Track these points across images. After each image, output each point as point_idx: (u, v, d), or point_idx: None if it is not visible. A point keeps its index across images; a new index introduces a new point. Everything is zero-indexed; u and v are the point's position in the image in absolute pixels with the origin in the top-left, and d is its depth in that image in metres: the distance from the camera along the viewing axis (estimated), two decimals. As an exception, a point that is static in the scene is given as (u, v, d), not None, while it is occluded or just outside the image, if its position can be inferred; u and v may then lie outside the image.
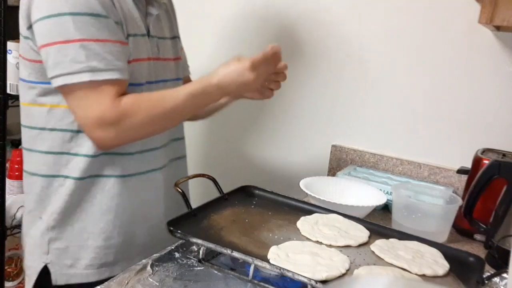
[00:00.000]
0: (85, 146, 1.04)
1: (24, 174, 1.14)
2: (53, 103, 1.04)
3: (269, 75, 1.10)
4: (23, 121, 1.10)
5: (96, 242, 1.08)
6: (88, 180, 1.06)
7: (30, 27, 0.99)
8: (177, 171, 1.25)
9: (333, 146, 1.65)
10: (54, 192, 1.07)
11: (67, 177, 1.06)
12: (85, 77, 0.94)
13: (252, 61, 1.02)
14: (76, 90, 0.96)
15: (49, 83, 0.99)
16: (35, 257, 1.09)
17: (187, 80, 1.34)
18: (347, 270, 0.87)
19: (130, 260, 1.11)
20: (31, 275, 1.09)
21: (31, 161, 1.10)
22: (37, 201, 1.09)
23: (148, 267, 0.90)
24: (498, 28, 1.30)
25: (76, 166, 1.05)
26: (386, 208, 1.37)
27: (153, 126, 1.04)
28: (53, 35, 0.94)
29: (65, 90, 0.98)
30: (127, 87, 1.02)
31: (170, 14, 1.25)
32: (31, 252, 1.10)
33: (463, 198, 1.20)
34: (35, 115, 1.07)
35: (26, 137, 1.10)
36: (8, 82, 1.61)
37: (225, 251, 0.88)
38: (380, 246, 0.98)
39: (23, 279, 1.82)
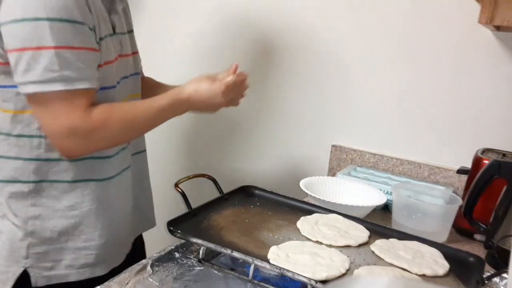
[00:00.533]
0: (57, 151, 1.01)
1: None
2: (17, 109, 0.99)
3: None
4: None
5: (76, 244, 1.07)
6: (65, 184, 1.04)
7: None
8: (139, 165, 1.24)
9: (333, 146, 1.65)
10: (26, 197, 1.03)
11: (40, 182, 1.02)
12: (58, 87, 0.91)
13: (226, 86, 1.08)
14: (47, 98, 0.93)
15: (13, 87, 0.96)
16: (11, 262, 1.05)
17: (141, 74, 1.31)
18: (347, 270, 0.87)
19: (111, 260, 1.12)
20: (6, 280, 1.05)
21: None
22: (7, 207, 1.04)
23: (148, 267, 0.90)
24: (498, 28, 1.30)
25: (49, 172, 1.02)
26: (386, 208, 1.37)
27: (122, 138, 1.06)
28: (27, 40, 0.90)
29: (34, 98, 0.95)
30: (96, 94, 1.00)
31: (125, 7, 1.21)
32: (5, 257, 1.05)
33: (463, 198, 1.20)
34: None
35: None
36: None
37: (225, 251, 0.88)
38: (380, 246, 0.99)
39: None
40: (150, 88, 1.27)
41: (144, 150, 1.28)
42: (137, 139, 1.23)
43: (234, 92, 1.13)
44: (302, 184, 1.29)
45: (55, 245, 1.05)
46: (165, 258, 0.94)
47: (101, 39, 1.01)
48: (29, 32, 0.89)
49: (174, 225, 0.95)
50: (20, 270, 1.04)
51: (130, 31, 1.21)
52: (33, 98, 0.95)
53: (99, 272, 1.09)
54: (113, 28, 1.08)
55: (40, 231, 1.04)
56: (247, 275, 0.87)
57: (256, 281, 0.87)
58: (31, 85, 0.92)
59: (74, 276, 1.07)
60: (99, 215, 1.08)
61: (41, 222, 1.04)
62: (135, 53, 1.22)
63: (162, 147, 1.94)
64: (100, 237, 1.09)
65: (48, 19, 0.89)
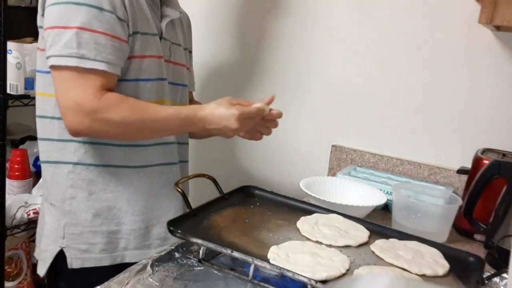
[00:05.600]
0: None
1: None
2: None
3: (259, 122, 1.13)
4: (37, 111, 1.14)
5: (109, 227, 1.13)
6: (100, 168, 1.11)
7: (43, 14, 1.05)
8: (183, 173, 1.27)
9: (333, 146, 1.65)
10: (65, 178, 1.11)
11: (77, 164, 1.10)
12: (73, 62, 0.98)
13: (242, 112, 1.05)
14: (62, 72, 1.00)
15: None
16: (50, 241, 1.13)
17: (190, 96, 1.39)
18: (347, 270, 0.87)
19: (144, 249, 1.16)
20: (46, 259, 1.13)
21: (43, 150, 1.14)
22: (48, 188, 1.14)
23: (148, 267, 0.90)
24: (498, 28, 1.30)
25: (86, 154, 1.10)
26: (386, 208, 1.37)
27: (126, 130, 1.04)
28: (56, 20, 0.99)
29: (54, 71, 1.02)
30: (116, 82, 1.05)
31: (184, 26, 1.30)
32: (47, 236, 1.14)
33: (463, 198, 1.20)
34: (46, 105, 1.11)
35: (39, 126, 1.14)
36: (8, 82, 1.61)
37: (225, 251, 0.88)
38: (380, 246, 0.99)
39: (23, 279, 1.82)
40: None
41: (187, 161, 1.32)
42: (183, 148, 1.28)
43: (251, 120, 1.09)
44: (302, 184, 1.29)
45: (90, 227, 1.12)
46: (165, 258, 0.94)
47: (136, 33, 1.07)
48: (59, 14, 1.00)
49: (174, 225, 0.95)
50: (57, 249, 1.12)
51: (187, 49, 1.30)
52: (53, 71, 1.02)
53: (130, 258, 1.14)
54: (161, 32, 1.15)
55: (76, 211, 1.11)
56: (247, 275, 0.87)
57: (256, 281, 0.87)
58: (52, 58, 1.00)
59: (107, 260, 1.13)
60: (131, 200, 1.14)
61: (77, 203, 1.11)
62: (188, 68, 1.30)
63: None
64: (131, 223, 1.14)
65: (77, 3, 0.99)
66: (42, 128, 1.13)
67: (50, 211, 1.14)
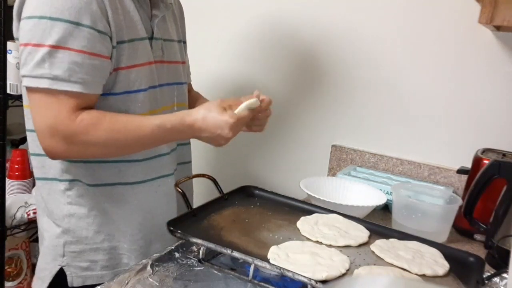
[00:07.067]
0: None
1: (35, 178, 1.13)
2: None
3: (250, 121, 1.08)
4: (27, 125, 1.08)
5: (111, 243, 1.09)
6: (94, 187, 1.05)
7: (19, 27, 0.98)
8: (186, 175, 1.21)
9: (333, 146, 1.65)
10: (61, 195, 1.05)
11: (72, 181, 1.05)
12: (44, 84, 0.91)
13: (237, 120, 0.98)
14: (35, 94, 0.94)
15: None
16: (49, 260, 1.08)
17: (189, 87, 1.33)
18: (347, 270, 0.87)
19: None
20: (44, 278, 1.08)
21: (38, 165, 1.08)
22: (46, 205, 1.09)
23: (148, 267, 0.90)
24: (498, 28, 1.30)
25: (78, 173, 1.04)
26: (386, 208, 1.37)
27: (108, 149, 1.00)
28: (30, 36, 0.92)
29: (28, 92, 0.96)
30: (96, 100, 0.99)
31: (176, 16, 1.23)
32: (45, 254, 1.09)
33: (463, 198, 1.20)
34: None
35: (31, 141, 1.08)
36: (8, 82, 1.61)
37: (225, 251, 0.88)
38: (380, 246, 0.98)
39: (23, 279, 1.82)
40: (193, 102, 1.27)
41: (190, 162, 1.27)
42: (183, 149, 1.23)
43: (243, 124, 1.04)
44: (302, 184, 1.29)
45: (91, 244, 1.07)
46: (165, 258, 0.94)
47: (122, 42, 1.00)
48: (32, 29, 0.92)
49: (174, 225, 0.95)
50: (57, 268, 1.07)
51: (180, 41, 1.22)
52: (28, 92, 0.97)
53: None
54: (152, 33, 1.08)
55: (76, 229, 1.07)
56: (247, 275, 0.87)
57: (256, 281, 0.87)
58: (24, 79, 0.94)
59: (109, 277, 1.07)
60: (128, 219, 1.09)
61: (77, 220, 1.06)
62: (183, 62, 1.22)
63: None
64: (131, 242, 1.10)
65: (51, 18, 0.90)
66: (35, 143, 1.03)
67: (49, 227, 1.09)
